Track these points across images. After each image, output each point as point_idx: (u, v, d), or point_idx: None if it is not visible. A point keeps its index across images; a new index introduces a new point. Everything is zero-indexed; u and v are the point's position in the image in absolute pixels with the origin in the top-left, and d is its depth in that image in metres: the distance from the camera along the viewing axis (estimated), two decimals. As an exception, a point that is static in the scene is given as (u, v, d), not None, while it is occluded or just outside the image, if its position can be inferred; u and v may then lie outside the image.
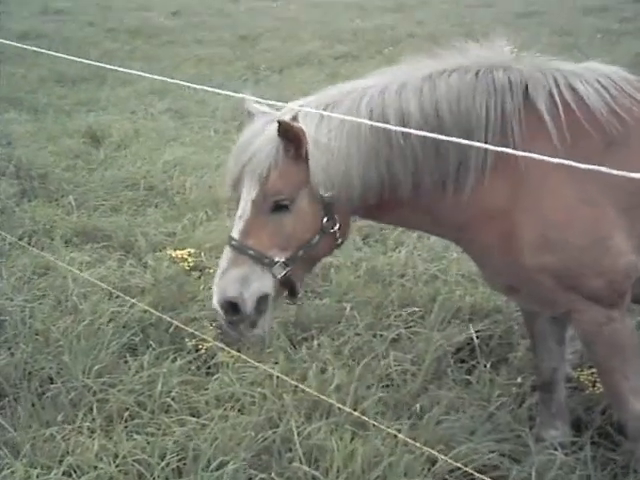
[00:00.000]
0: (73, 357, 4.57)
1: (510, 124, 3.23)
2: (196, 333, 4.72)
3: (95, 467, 3.79)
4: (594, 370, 4.32)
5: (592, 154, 3.14)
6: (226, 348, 4.59)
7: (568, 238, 3.24)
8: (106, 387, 4.40)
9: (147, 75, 4.15)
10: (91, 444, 3.92)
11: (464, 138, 2.93)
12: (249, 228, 3.23)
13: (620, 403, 3.57)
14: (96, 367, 4.50)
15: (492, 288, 4.14)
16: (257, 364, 4.38)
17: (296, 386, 4.24)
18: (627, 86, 3.38)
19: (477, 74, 3.30)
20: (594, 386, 4.37)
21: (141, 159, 8.46)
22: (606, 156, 3.19)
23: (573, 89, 3.30)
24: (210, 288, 4.94)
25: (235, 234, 3.26)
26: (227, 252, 3.27)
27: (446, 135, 2.85)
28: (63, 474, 3.77)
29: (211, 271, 5.54)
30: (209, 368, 4.69)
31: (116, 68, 4.33)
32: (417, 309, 5.21)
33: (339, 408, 4.03)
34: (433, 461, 3.77)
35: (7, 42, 5.82)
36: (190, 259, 5.94)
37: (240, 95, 3.42)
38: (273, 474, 3.76)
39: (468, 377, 4.53)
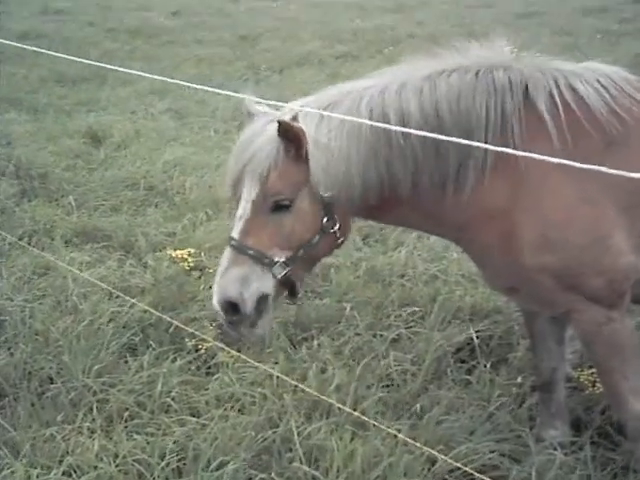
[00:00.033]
0: (73, 357, 4.57)
1: (510, 124, 3.23)
2: (196, 333, 4.72)
3: (95, 467, 3.79)
4: (594, 370, 4.32)
5: (592, 154, 3.14)
6: (226, 348, 4.59)
7: (568, 237, 3.24)
8: (106, 387, 4.41)
9: (147, 75, 4.15)
10: (91, 444, 3.92)
11: (464, 138, 2.93)
12: (249, 228, 3.24)
13: (620, 403, 3.57)
14: (96, 367, 4.51)
15: (492, 288, 4.14)
16: (257, 364, 4.38)
17: (296, 386, 4.24)
18: (627, 86, 3.38)
19: (477, 74, 3.31)
20: (594, 386, 4.37)
21: (141, 159, 8.46)
22: (606, 156, 3.19)
23: (573, 89, 3.31)
24: (210, 288, 4.97)
25: (235, 234, 3.26)
26: (227, 252, 3.28)
27: (446, 135, 2.86)
28: (63, 474, 3.77)
29: (211, 271, 5.54)
30: (209, 368, 4.69)
31: (116, 68, 4.33)
32: (417, 309, 5.21)
33: (339, 408, 4.03)
34: (433, 461, 3.77)
35: (7, 42, 5.82)
36: (190, 259, 5.94)
37: (240, 95, 3.42)
38: (273, 474, 3.76)
39: (468, 377, 4.53)
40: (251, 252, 3.22)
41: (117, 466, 3.79)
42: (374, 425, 3.86)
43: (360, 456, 3.75)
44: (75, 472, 3.78)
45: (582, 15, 20.03)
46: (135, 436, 4.02)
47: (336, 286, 5.58)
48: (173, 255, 6.00)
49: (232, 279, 3.23)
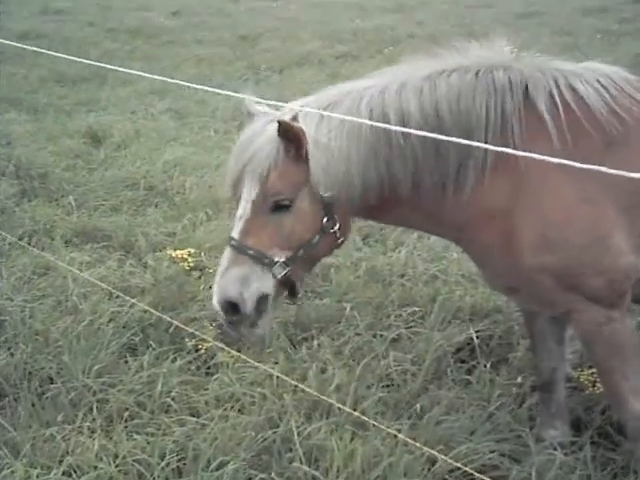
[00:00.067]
0: (73, 357, 4.57)
1: (510, 124, 3.23)
2: (196, 333, 4.72)
3: (95, 467, 3.79)
4: (594, 370, 4.32)
5: (592, 154, 3.14)
6: (226, 348, 4.60)
7: (568, 237, 3.24)
8: (106, 387, 4.41)
9: (147, 75, 4.15)
10: (91, 444, 3.92)
11: (464, 138, 2.93)
12: (249, 228, 3.23)
13: (620, 403, 3.57)
14: (96, 367, 4.50)
15: (492, 288, 4.14)
16: (257, 364, 4.38)
17: (296, 386, 4.24)
18: (627, 86, 3.38)
19: (477, 74, 3.30)
20: (594, 386, 4.37)
21: (141, 159, 8.46)
22: (606, 156, 3.19)
23: (573, 89, 3.31)
24: (210, 288, 4.97)
25: (235, 234, 3.26)
26: (227, 252, 3.28)
27: (446, 135, 2.86)
28: (63, 474, 3.77)
29: (211, 271, 5.54)
30: (209, 368, 4.69)
31: (116, 68, 4.33)
32: (417, 309, 5.21)
33: (339, 408, 4.03)
34: (433, 461, 3.77)
35: (7, 42, 5.82)
36: (190, 259, 5.94)
37: (240, 95, 3.42)
38: (273, 474, 3.76)
39: (468, 377, 4.53)
40: (251, 252, 3.22)
41: (117, 466, 3.79)
42: (374, 425, 3.86)
43: (360, 456, 3.75)
44: (75, 472, 3.78)
45: (582, 15, 20.03)
46: (135, 436, 4.02)
47: (336, 286, 5.58)
48: (173, 255, 6.00)
49: (232, 279, 3.23)
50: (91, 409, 4.24)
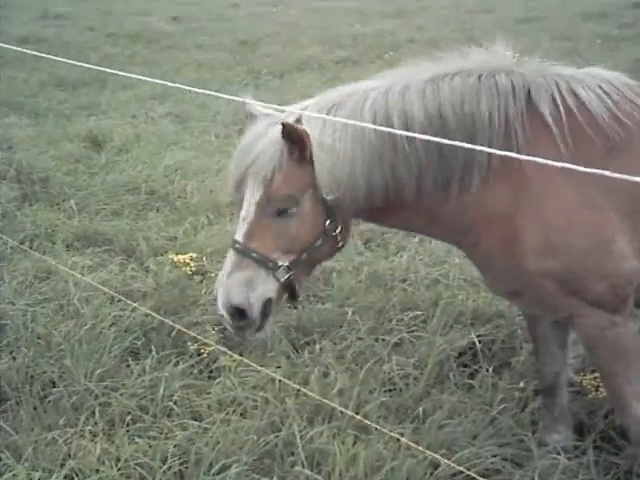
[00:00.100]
0: (75, 361, 4.56)
1: (514, 128, 3.23)
2: (198, 337, 4.73)
3: (97, 471, 3.78)
4: (597, 374, 4.32)
5: (594, 159, 3.15)
6: (228, 352, 4.60)
7: (571, 242, 3.25)
8: (108, 391, 4.40)
9: (148, 79, 4.15)
10: (93, 448, 3.91)
11: (467, 141, 2.93)
12: (253, 231, 3.22)
13: (623, 407, 3.57)
14: (98, 371, 4.50)
15: (494, 293, 4.14)
16: (259, 368, 4.38)
17: (298, 390, 4.23)
18: (628, 92, 3.39)
19: (480, 78, 3.31)
20: (597, 390, 4.36)
21: (142, 163, 8.46)
22: (608, 161, 3.20)
23: (575, 94, 3.31)
24: (212, 292, 4.97)
25: (239, 237, 3.25)
26: (231, 255, 3.26)
27: (449, 138, 2.86)
28: (65, 478, 3.76)
29: (213, 275, 5.54)
30: (211, 372, 4.69)
31: (117, 72, 4.34)
32: (419, 313, 5.20)
33: (341, 412, 4.02)
34: (436, 465, 3.76)
35: (7, 46, 5.84)
36: (192, 263, 5.94)
37: (241, 99, 3.42)
38: (275, 478, 3.75)
39: (470, 381, 4.53)
40: (255, 255, 3.22)
41: (119, 470, 3.79)
42: (376, 429, 3.86)
43: (362, 460, 3.74)
44: (77, 475, 3.78)
45: (582, 20, 20.06)
46: (137, 440, 4.02)
47: (338, 290, 5.58)
48: (175, 259, 6.00)
49: (237, 283, 3.22)
50: (93, 413, 4.23)
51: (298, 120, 3.23)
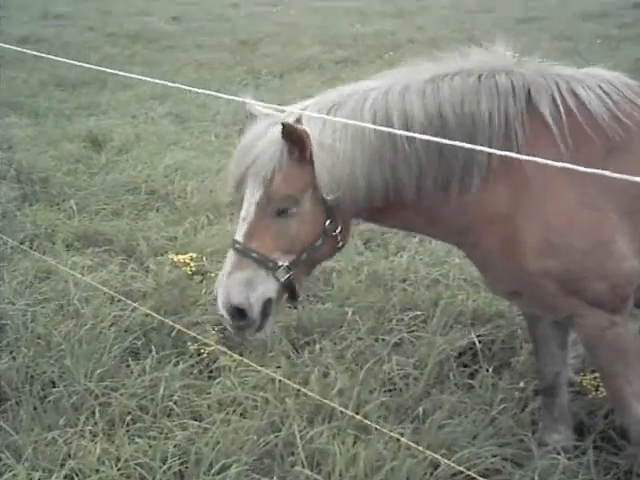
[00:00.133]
0: (75, 361, 4.56)
1: (514, 128, 3.23)
2: (198, 337, 4.73)
3: (97, 471, 3.78)
4: (597, 374, 4.32)
5: (594, 159, 3.15)
6: (228, 352, 4.60)
7: (571, 242, 3.25)
8: (108, 391, 4.40)
9: (148, 79, 4.15)
10: (93, 448, 3.91)
11: (467, 141, 2.93)
12: (253, 231, 3.22)
13: (623, 407, 3.57)
14: (98, 371, 4.50)
15: (494, 293, 4.14)
16: (259, 368, 4.38)
17: (298, 390, 4.23)
18: (628, 92, 3.39)
19: (480, 77, 3.30)
20: (597, 390, 4.36)
21: (142, 163, 8.46)
22: (608, 161, 3.20)
23: (575, 94, 3.31)
24: (212, 292, 4.97)
25: (239, 237, 3.24)
26: (231, 255, 3.26)
27: (449, 138, 2.86)
28: (65, 477, 3.76)
29: (213, 275, 5.54)
30: (211, 372, 4.69)
31: (117, 72, 4.34)
32: (419, 313, 5.20)
33: (341, 412, 4.02)
34: (436, 465, 3.76)
35: (7, 46, 5.84)
36: (192, 263, 5.94)
37: (241, 99, 3.42)
38: (275, 478, 3.75)
39: (470, 381, 4.53)
40: (255, 255, 3.21)
41: (119, 470, 3.79)
42: (376, 429, 3.86)
43: (362, 460, 3.74)
44: (77, 475, 3.78)
45: (582, 20, 20.07)
46: (137, 440, 4.02)
47: (338, 290, 5.58)
48: (175, 259, 6.00)
49: (237, 283, 3.22)
50: (93, 413, 4.23)
51: (298, 120, 3.23)
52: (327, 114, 3.21)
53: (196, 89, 3.59)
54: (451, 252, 5.90)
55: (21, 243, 6.25)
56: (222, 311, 3.26)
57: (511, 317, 5.10)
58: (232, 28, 19.63)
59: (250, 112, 3.43)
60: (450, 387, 4.50)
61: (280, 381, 4.34)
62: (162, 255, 6.23)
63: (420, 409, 4.23)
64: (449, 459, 3.71)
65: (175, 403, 4.31)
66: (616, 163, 3.17)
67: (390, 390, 4.48)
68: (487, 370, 4.57)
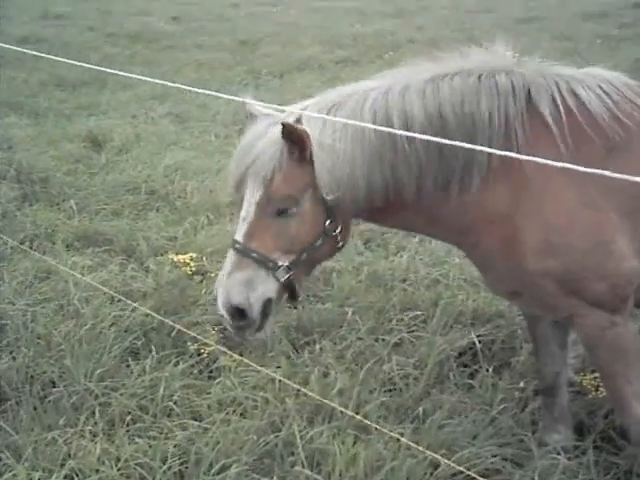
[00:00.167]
0: (75, 361, 4.56)
1: (514, 128, 3.23)
2: (198, 337, 4.73)
3: (97, 470, 3.78)
4: (597, 374, 4.32)
5: (594, 159, 3.15)
6: (228, 352, 4.60)
7: (571, 242, 3.24)
8: (108, 391, 4.40)
9: (148, 79, 4.15)
10: (93, 448, 3.91)
11: (467, 141, 2.93)
12: (253, 231, 3.22)
13: (623, 407, 3.57)
14: (98, 371, 4.50)
15: (494, 293, 4.14)
16: (259, 368, 4.38)
17: (298, 390, 4.23)
18: (628, 92, 3.39)
19: (480, 78, 3.30)
20: (597, 390, 4.36)
21: (142, 163, 8.46)
22: (608, 161, 3.20)
23: (575, 94, 3.31)
24: (212, 292, 4.97)
25: (239, 237, 3.24)
26: (231, 255, 3.26)
27: (449, 138, 2.87)
28: (65, 477, 3.76)
29: (213, 275, 5.54)
30: (211, 372, 4.69)
31: (117, 72, 4.34)
32: (419, 313, 5.20)
33: (341, 412, 4.02)
34: (436, 465, 3.76)
35: (7, 46, 5.84)
36: (192, 263, 5.94)
37: (241, 99, 3.41)
38: (275, 478, 3.75)
39: (470, 381, 4.53)
40: (255, 255, 3.21)
41: (119, 470, 3.79)
42: (376, 429, 3.86)
43: (363, 460, 3.75)
44: (77, 475, 3.78)
45: (582, 20, 20.07)
46: (137, 440, 4.02)
47: (338, 290, 5.58)
48: (175, 259, 6.00)
49: (237, 283, 3.22)
50: (93, 413, 4.23)
51: (298, 120, 3.23)
52: (327, 114, 3.21)
53: (196, 89, 3.59)
54: (451, 252, 5.90)
55: (21, 243, 6.25)
56: (222, 311, 3.26)
57: (511, 317, 5.10)
58: (232, 28, 19.63)
59: (250, 112, 3.42)
60: (450, 387, 4.50)
61: (280, 381, 4.34)
62: (162, 255, 6.23)
63: (420, 409, 4.23)
64: (449, 459, 3.71)
65: (175, 403, 4.31)
66: (616, 163, 3.17)
67: (390, 390, 4.48)
68: (487, 370, 4.57)
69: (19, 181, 7.80)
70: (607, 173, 2.09)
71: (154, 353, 4.74)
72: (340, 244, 3.37)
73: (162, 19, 21.11)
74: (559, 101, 3.28)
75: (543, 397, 4.13)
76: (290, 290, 3.35)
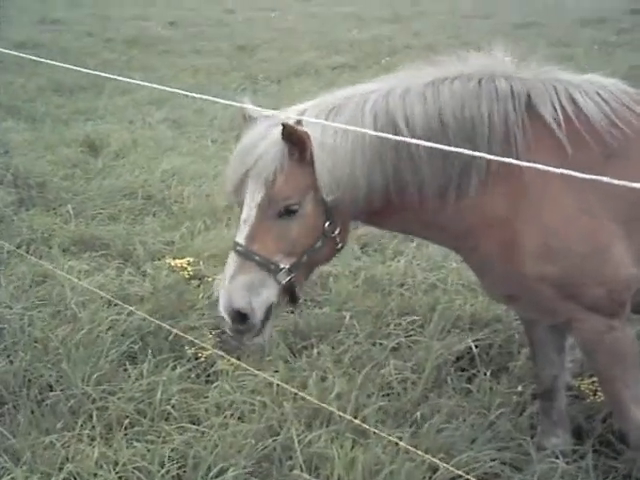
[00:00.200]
0: (72, 365, 4.56)
1: (513, 133, 3.23)
2: (195, 341, 4.72)
3: (95, 474, 3.78)
4: (594, 379, 4.32)
5: (592, 166, 3.13)
6: (226, 356, 4.59)
7: (570, 246, 3.24)
8: (106, 395, 4.39)
9: (145, 84, 4.15)
10: (91, 451, 3.91)
11: (467, 145, 2.94)
12: (254, 233, 3.20)
13: (621, 411, 3.57)
14: (95, 375, 4.49)
15: (491, 297, 4.13)
16: (257, 372, 4.38)
17: (296, 394, 4.23)
18: (626, 98, 3.39)
19: (480, 82, 3.31)
20: (595, 395, 4.36)
21: (139, 168, 8.46)
22: (606, 168, 3.19)
23: (573, 101, 3.31)
24: (209, 297, 4.97)
25: (241, 239, 3.22)
26: (233, 257, 3.24)
27: (449, 141, 2.87)
28: (63, 481, 3.77)
29: (210, 280, 5.54)
30: (209, 376, 4.68)
31: (114, 77, 4.34)
32: (417, 318, 5.20)
33: (340, 416, 4.02)
34: (434, 469, 3.76)
35: (5, 51, 5.83)
36: (189, 268, 5.93)
37: (238, 104, 3.40)
38: (273, 482, 3.76)
39: (468, 386, 4.53)
40: (257, 258, 3.19)
41: (117, 473, 3.78)
42: (375, 433, 3.85)
43: (361, 464, 3.74)
44: (75, 479, 3.77)
45: (580, 26, 20.12)
46: (135, 443, 4.01)
47: (335, 295, 5.58)
48: (172, 264, 6.00)
49: (240, 287, 3.20)
50: (91, 417, 4.23)
51: (298, 121, 3.22)
52: (327, 116, 3.21)
53: (193, 94, 3.58)
54: (448, 257, 5.90)
55: (18, 247, 6.25)
56: (223, 314, 3.24)
57: (508, 321, 5.10)
58: (229, 33, 19.65)
59: (249, 114, 3.40)
60: (448, 391, 4.50)
61: (278, 385, 4.34)
62: (159, 259, 6.23)
63: (418, 413, 4.23)
64: (447, 463, 3.70)
65: (173, 407, 4.31)
66: (614, 170, 3.16)
67: (388, 394, 4.48)
68: (485, 374, 4.57)
69: (16, 186, 7.78)
70: (605, 179, 2.09)
71: (151, 357, 4.73)
72: (339, 245, 3.37)
73: (159, 24, 21.12)
74: (558, 107, 3.28)
75: (541, 401, 4.13)
76: (290, 293, 3.34)
